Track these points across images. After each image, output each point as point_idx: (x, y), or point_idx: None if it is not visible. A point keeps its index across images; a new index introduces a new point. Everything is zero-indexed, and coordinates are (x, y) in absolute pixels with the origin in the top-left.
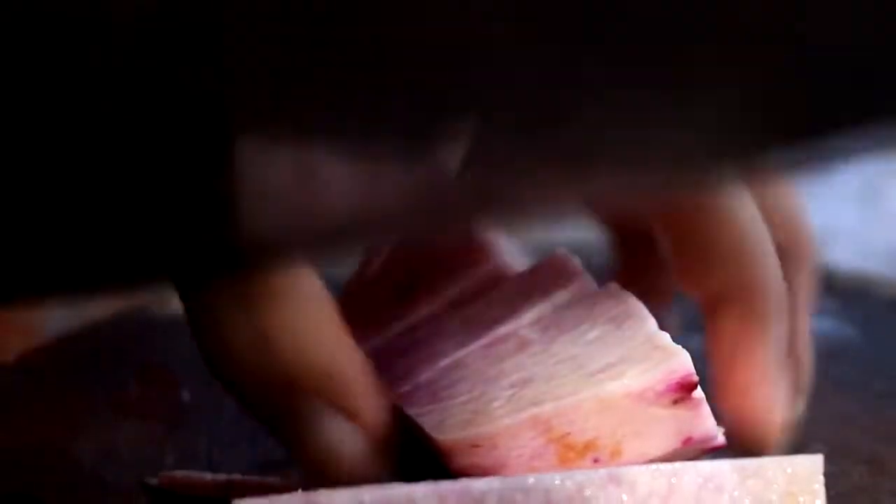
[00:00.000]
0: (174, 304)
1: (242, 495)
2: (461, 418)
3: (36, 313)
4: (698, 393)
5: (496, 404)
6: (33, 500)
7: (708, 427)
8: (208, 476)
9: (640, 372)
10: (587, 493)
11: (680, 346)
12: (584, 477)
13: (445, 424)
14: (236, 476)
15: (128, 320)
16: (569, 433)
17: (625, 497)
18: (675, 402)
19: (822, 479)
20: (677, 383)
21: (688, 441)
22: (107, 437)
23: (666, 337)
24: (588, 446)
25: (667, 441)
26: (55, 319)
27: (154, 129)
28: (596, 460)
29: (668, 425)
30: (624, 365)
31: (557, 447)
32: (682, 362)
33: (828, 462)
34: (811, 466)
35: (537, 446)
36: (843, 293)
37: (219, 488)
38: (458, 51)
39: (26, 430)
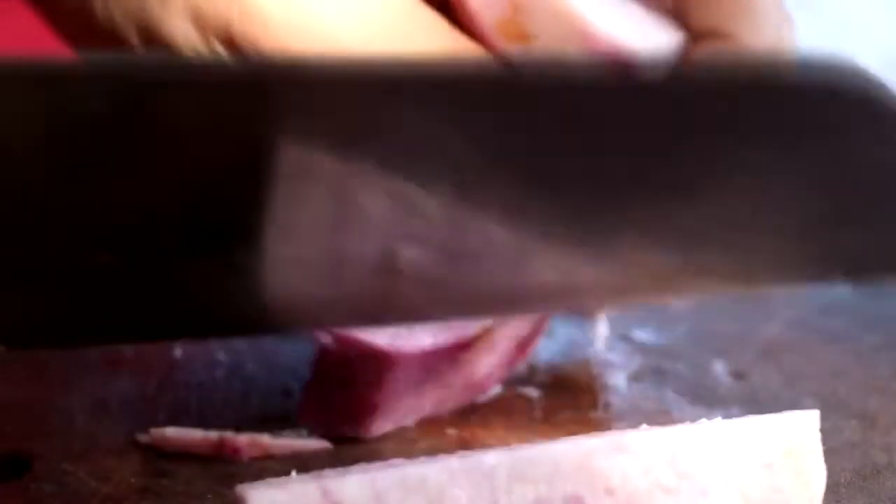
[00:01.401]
0: None
1: (234, 452)
2: None
3: None
4: None
5: None
6: (21, 459)
7: None
8: (199, 433)
9: None
10: (594, 461)
11: None
12: (591, 446)
13: None
14: (228, 433)
15: None
16: None
17: (630, 463)
18: None
19: (818, 435)
20: None
21: None
22: (99, 393)
23: None
24: None
25: None
26: None
27: None
28: None
29: None
30: None
31: None
32: None
33: (819, 417)
34: (808, 423)
35: None
36: None
37: (210, 445)
38: None
39: (19, 385)
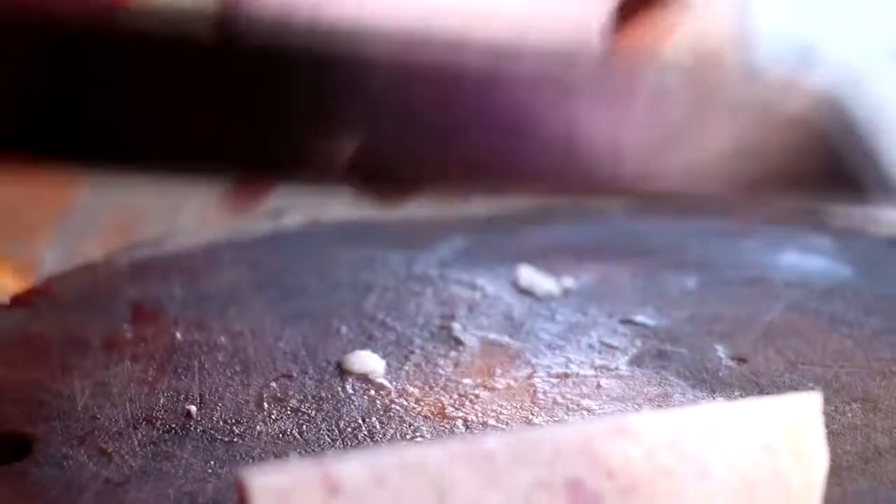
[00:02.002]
0: (168, 245)
1: None
2: None
3: (30, 254)
4: None
5: None
6: (22, 442)
7: None
8: None
9: None
10: (595, 445)
11: None
12: (592, 429)
13: None
14: None
15: (121, 261)
16: None
17: (631, 447)
18: None
19: (820, 417)
20: None
21: None
22: (99, 376)
23: None
24: None
25: None
26: (49, 260)
27: None
28: None
29: None
30: None
31: None
32: None
33: (821, 400)
34: (810, 405)
35: None
36: (839, 232)
37: None
38: None
39: (20, 369)
